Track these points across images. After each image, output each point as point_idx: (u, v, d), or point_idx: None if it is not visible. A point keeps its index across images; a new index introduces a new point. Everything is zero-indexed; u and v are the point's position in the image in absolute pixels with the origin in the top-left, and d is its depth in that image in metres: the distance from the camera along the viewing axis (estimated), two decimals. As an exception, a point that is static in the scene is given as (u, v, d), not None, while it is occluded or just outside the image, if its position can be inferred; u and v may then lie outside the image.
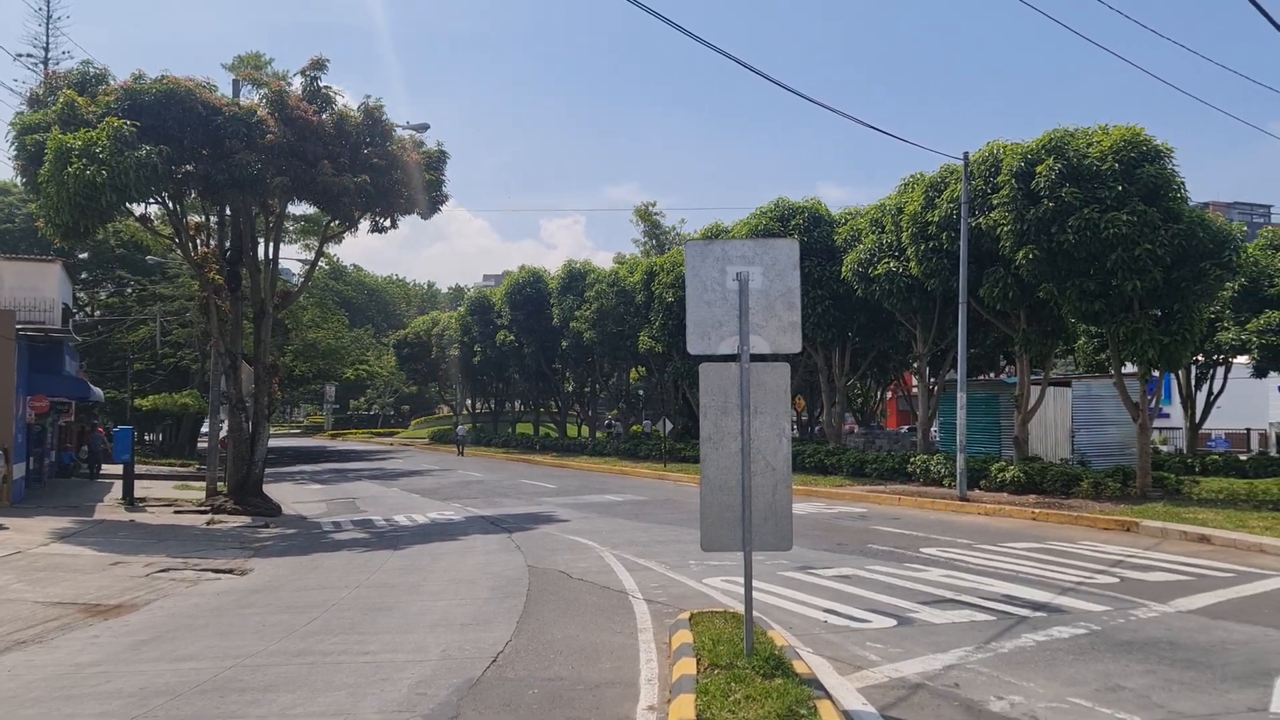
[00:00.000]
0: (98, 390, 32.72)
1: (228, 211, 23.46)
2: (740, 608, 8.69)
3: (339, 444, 71.80)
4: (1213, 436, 42.16)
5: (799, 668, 6.79)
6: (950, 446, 26.71)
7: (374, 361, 76.48)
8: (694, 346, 7.09)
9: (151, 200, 21.34)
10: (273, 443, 72.35)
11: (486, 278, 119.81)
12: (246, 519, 21.31)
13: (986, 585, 11.11)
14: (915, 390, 34.34)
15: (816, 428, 40.24)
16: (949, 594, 10.61)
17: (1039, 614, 9.51)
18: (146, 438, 57.95)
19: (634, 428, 48.73)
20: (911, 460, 25.51)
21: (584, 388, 50.05)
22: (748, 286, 7.03)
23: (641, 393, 51.90)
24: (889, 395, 47.93)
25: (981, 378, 30.72)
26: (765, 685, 6.23)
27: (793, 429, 35.20)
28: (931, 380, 28.81)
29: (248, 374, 23.67)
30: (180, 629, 9.84)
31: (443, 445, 59.04)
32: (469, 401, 70.05)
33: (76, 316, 41.44)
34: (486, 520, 19.90)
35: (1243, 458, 29.71)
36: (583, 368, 46.35)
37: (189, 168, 20.23)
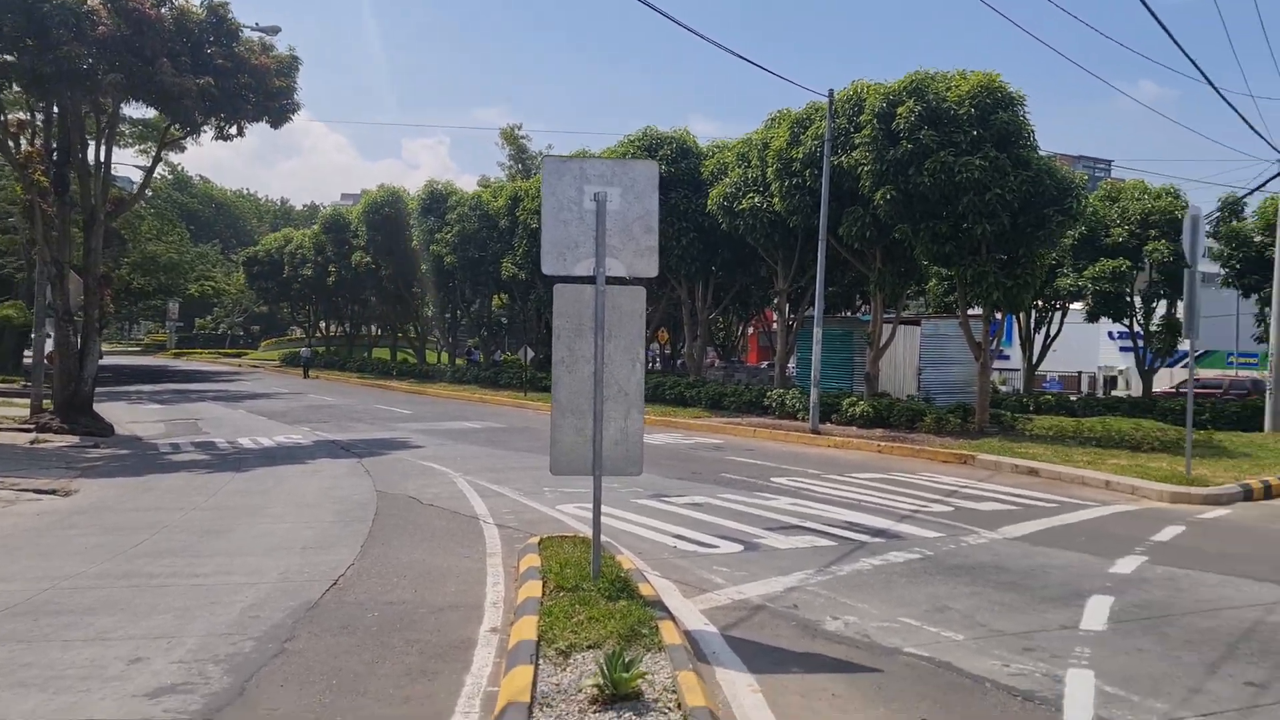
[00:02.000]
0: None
1: (55, 110, 21.63)
2: (591, 533, 8.69)
3: (183, 364, 68.38)
4: (1048, 378, 44.81)
5: (644, 590, 6.82)
6: (806, 382, 27.43)
7: (220, 278, 72.91)
8: (548, 266, 6.89)
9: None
10: (110, 360, 68.59)
11: (345, 196, 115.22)
12: (74, 439, 20.04)
13: (831, 513, 11.46)
14: (776, 325, 35.11)
15: (679, 361, 40.67)
16: (795, 521, 10.89)
17: (878, 540, 9.87)
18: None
19: (504, 357, 48.19)
20: (768, 394, 26.09)
21: (444, 313, 49.03)
22: (605, 207, 6.86)
23: (505, 320, 51.27)
24: (751, 331, 48.90)
25: (839, 315, 31.56)
26: (609, 607, 6.22)
27: (655, 361, 35.56)
28: (791, 316, 29.44)
29: (77, 285, 22.07)
30: (-10, 552, 9.17)
31: (294, 368, 57.02)
32: (323, 324, 67.73)
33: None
34: (336, 445, 19.33)
35: (1073, 398, 31.68)
36: (443, 293, 45.33)
37: (9, 58, 18.45)
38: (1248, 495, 13.67)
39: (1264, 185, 43.69)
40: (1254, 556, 9.49)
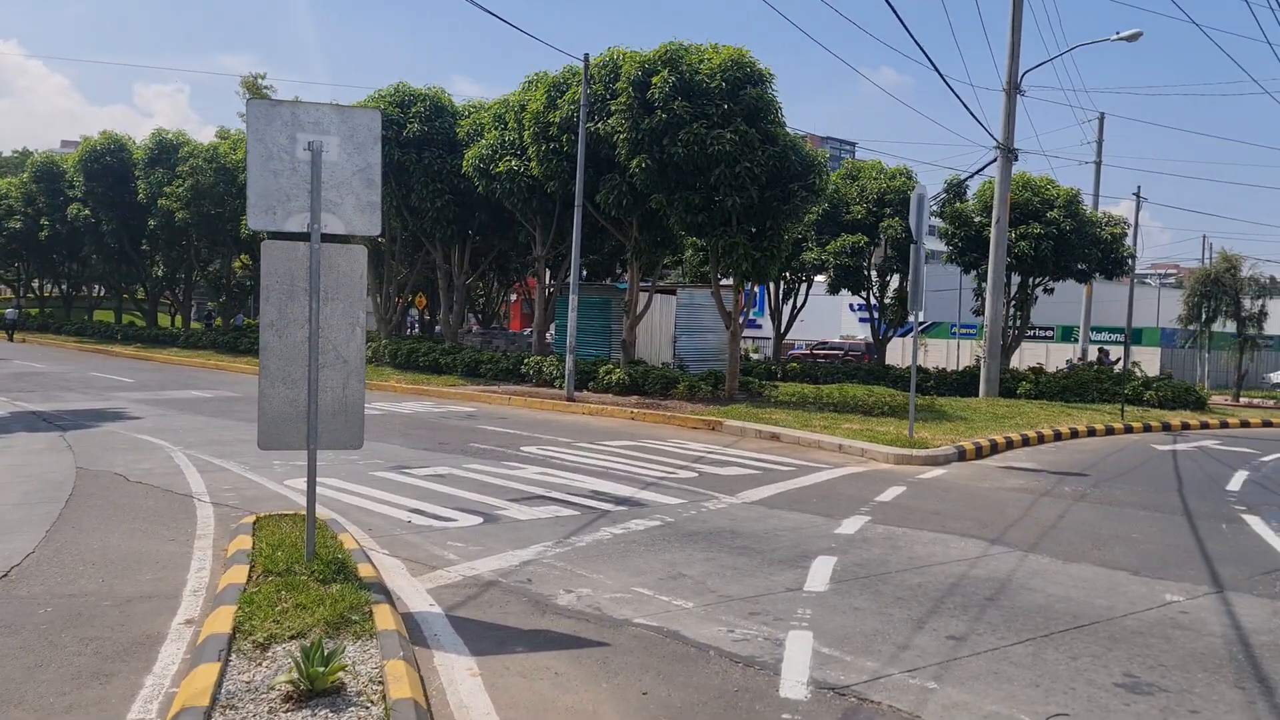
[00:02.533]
0: None
1: None
2: (320, 509, 8.07)
3: None
4: (795, 346, 47.31)
5: (364, 571, 6.35)
6: (562, 349, 27.39)
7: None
8: (256, 220, 6.22)
9: None
10: None
11: (66, 144, 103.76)
12: None
13: (577, 482, 11.34)
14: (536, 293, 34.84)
15: (436, 328, 39.58)
16: (540, 491, 10.68)
17: (620, 508, 9.83)
18: None
19: (247, 321, 45.05)
20: (526, 361, 25.81)
21: (177, 274, 45.25)
22: (321, 158, 6.26)
23: (250, 284, 47.99)
24: (515, 298, 48.40)
25: (599, 283, 31.69)
26: (320, 591, 5.72)
27: (414, 327, 34.38)
28: (552, 283, 29.26)
29: None
30: None
31: (10, 336, 51.01)
32: (36, 283, 60.92)
33: None
34: (38, 416, 17.26)
35: (819, 361, 33.49)
36: (176, 251, 41.79)
37: None
38: (961, 456, 14.81)
39: (982, 170, 47.74)
40: (962, 514, 10.20)
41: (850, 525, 9.28)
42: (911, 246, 17.28)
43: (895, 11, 16.50)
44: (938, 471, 13.48)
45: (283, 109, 6.18)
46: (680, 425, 18.37)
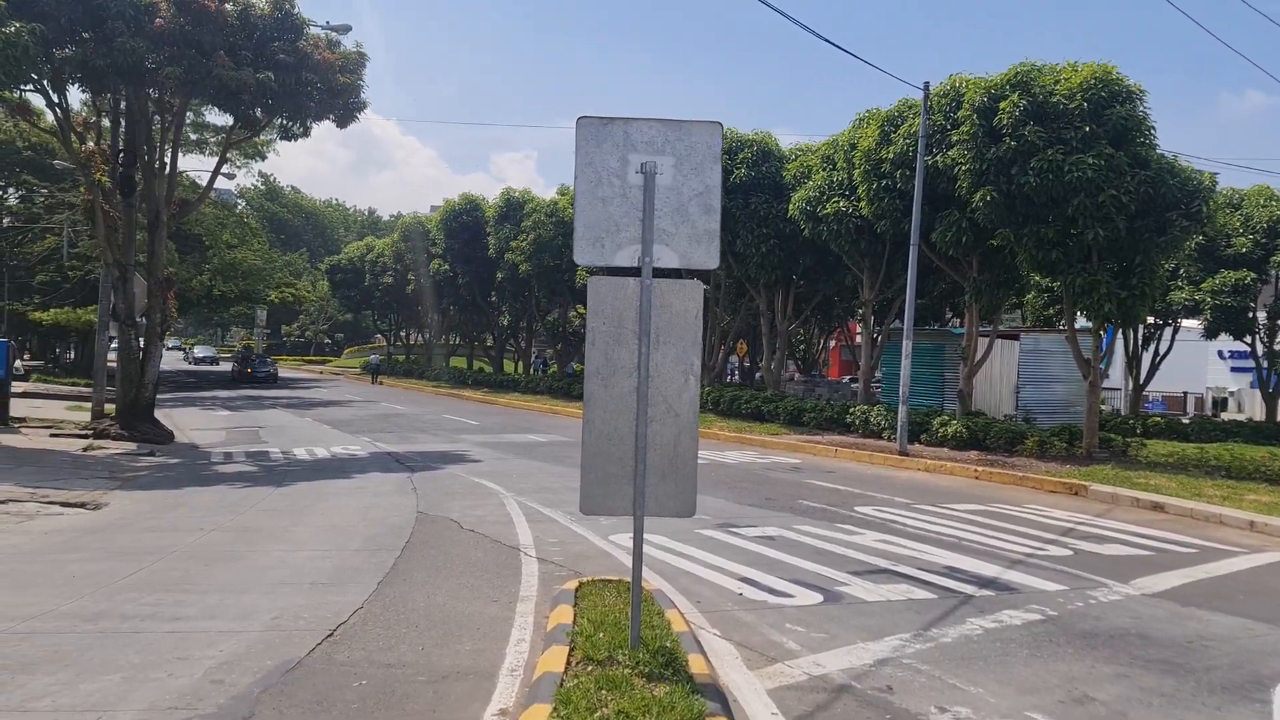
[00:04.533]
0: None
1: (123, 108, 21.28)
2: (646, 573, 7.32)
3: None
4: (1149, 398, 41.96)
5: (695, 666, 5.40)
6: (892, 398, 25.65)
7: (303, 286, 73.50)
8: (582, 255, 5.55)
9: (25, 86, 19.04)
10: (194, 366, 69.58)
11: (433, 209, 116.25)
12: (131, 446, 19.48)
13: (926, 554, 9.86)
14: (859, 338, 33.30)
15: (757, 374, 39.04)
16: (884, 563, 9.34)
17: (986, 592, 8.27)
18: (64, 355, 55.20)
19: (575, 366, 47.16)
20: (851, 410, 24.37)
21: (519, 322, 48.23)
22: (654, 181, 5.49)
23: (584, 331, 50.22)
24: (832, 344, 46.99)
25: (928, 328, 29.61)
26: (646, 693, 4.83)
27: (734, 374, 33.97)
28: (876, 329, 27.66)
29: (141, 288, 21.62)
30: (-31, 578, 8.19)
31: (373, 378, 56.98)
32: (404, 333, 67.76)
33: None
34: (392, 457, 18.32)
35: (1185, 421, 29.12)
36: (519, 301, 44.51)
37: (67, 51, 17.97)
38: None
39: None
40: None
41: (1307, 638, 7.13)
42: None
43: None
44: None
45: (614, 127, 5.50)
46: (1035, 488, 16.16)
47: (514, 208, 40.61)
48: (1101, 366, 21.60)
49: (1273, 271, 26.19)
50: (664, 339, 5.50)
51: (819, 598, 7.90)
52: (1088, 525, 12.19)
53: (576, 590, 7.11)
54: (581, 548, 9.77)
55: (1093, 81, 18.20)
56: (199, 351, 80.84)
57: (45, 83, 19.17)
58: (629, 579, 7.40)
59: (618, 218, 5.51)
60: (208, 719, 5.01)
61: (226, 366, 66.98)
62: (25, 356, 52.95)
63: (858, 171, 22.33)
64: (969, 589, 8.35)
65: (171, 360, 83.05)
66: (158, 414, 23.34)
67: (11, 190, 45.42)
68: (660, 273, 5.56)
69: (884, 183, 21.58)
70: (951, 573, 8.98)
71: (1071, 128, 17.99)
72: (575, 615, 6.35)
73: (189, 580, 8.11)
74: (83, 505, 12.62)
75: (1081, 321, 22.13)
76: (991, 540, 10.78)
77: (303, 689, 5.47)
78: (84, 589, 7.72)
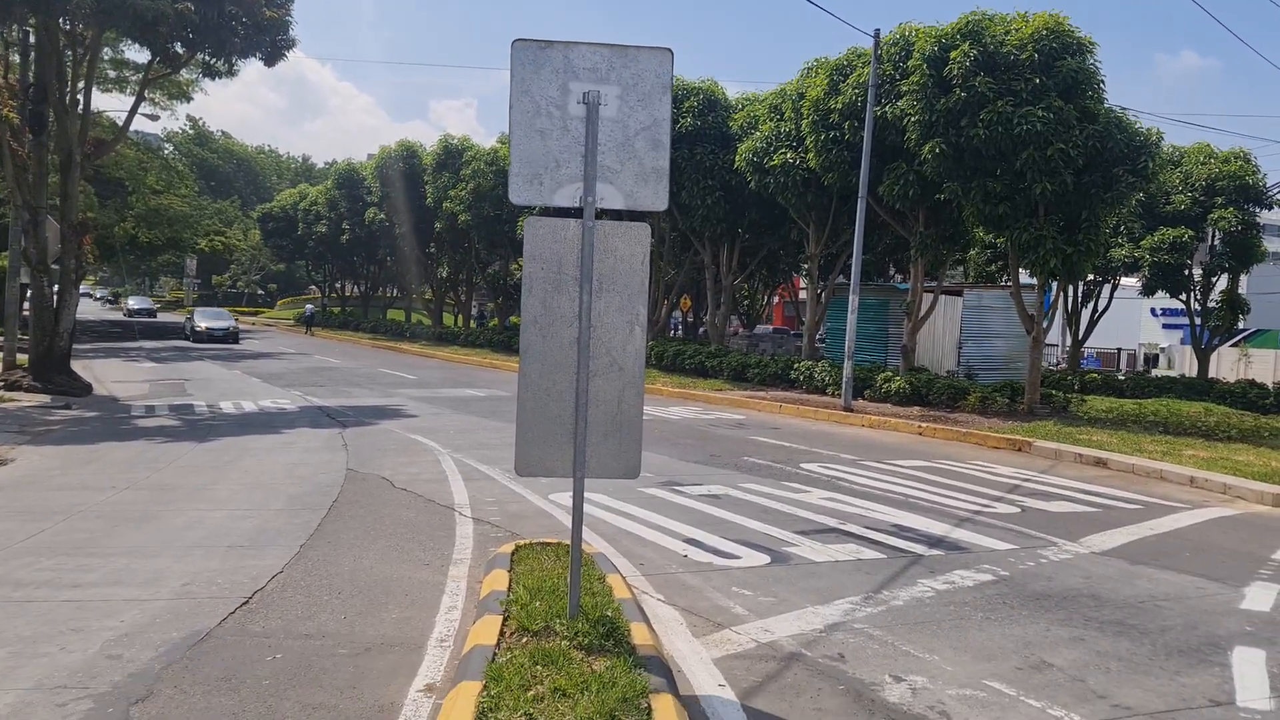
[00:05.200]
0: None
1: (32, 41, 19.97)
2: (587, 535, 6.94)
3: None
4: (1085, 354, 42.66)
5: (638, 634, 5.03)
6: (836, 353, 25.56)
7: (232, 234, 71.25)
8: (518, 193, 5.05)
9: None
10: (129, 319, 66.92)
11: (370, 157, 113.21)
12: (44, 398, 18.50)
13: (874, 512, 9.64)
14: (803, 293, 33.09)
15: (701, 330, 38.76)
16: (832, 521, 9.08)
17: (936, 551, 8.04)
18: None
19: (513, 319, 46.44)
20: (796, 366, 24.21)
21: (459, 274, 47.26)
22: (598, 112, 5.00)
23: (523, 283, 49.33)
24: (775, 299, 46.85)
25: (873, 283, 29.50)
26: (585, 668, 4.45)
27: (677, 329, 33.49)
28: (821, 284, 27.49)
29: (54, 233, 20.46)
30: None
31: (308, 329, 55.68)
32: (339, 284, 66.16)
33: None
34: (322, 412, 17.66)
35: (1120, 377, 29.55)
36: (458, 253, 43.55)
37: (-34, -25, 16.72)
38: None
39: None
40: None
41: (1260, 597, 7.01)
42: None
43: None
44: (1336, 519, 10.59)
45: (554, 51, 4.98)
46: (978, 444, 16.11)
47: (453, 155, 39.50)
48: (1044, 325, 21.65)
49: (1209, 229, 26.46)
50: (607, 286, 5.06)
51: (766, 559, 7.60)
52: (1033, 482, 12.10)
53: (513, 554, 6.70)
54: (519, 507, 9.36)
55: (1044, 33, 17.95)
56: (134, 303, 70.74)
57: (-55, 10, 17.84)
58: (569, 541, 7.04)
59: (557, 153, 5.02)
60: (99, 699, 4.52)
61: (166, 319, 64.60)
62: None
63: (805, 122, 21.91)
64: (918, 548, 8.12)
65: (97, 311, 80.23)
66: (76, 365, 22.31)
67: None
68: (604, 215, 5.10)
69: (832, 134, 21.20)
70: (900, 531, 8.75)
71: (1022, 79, 17.76)
72: (510, 581, 5.94)
73: (94, 543, 7.53)
74: (-12, 461, 11.84)
75: (1025, 278, 22.14)
76: (938, 497, 10.60)
77: (210, 663, 5.00)
78: (-23, 554, 7.11)
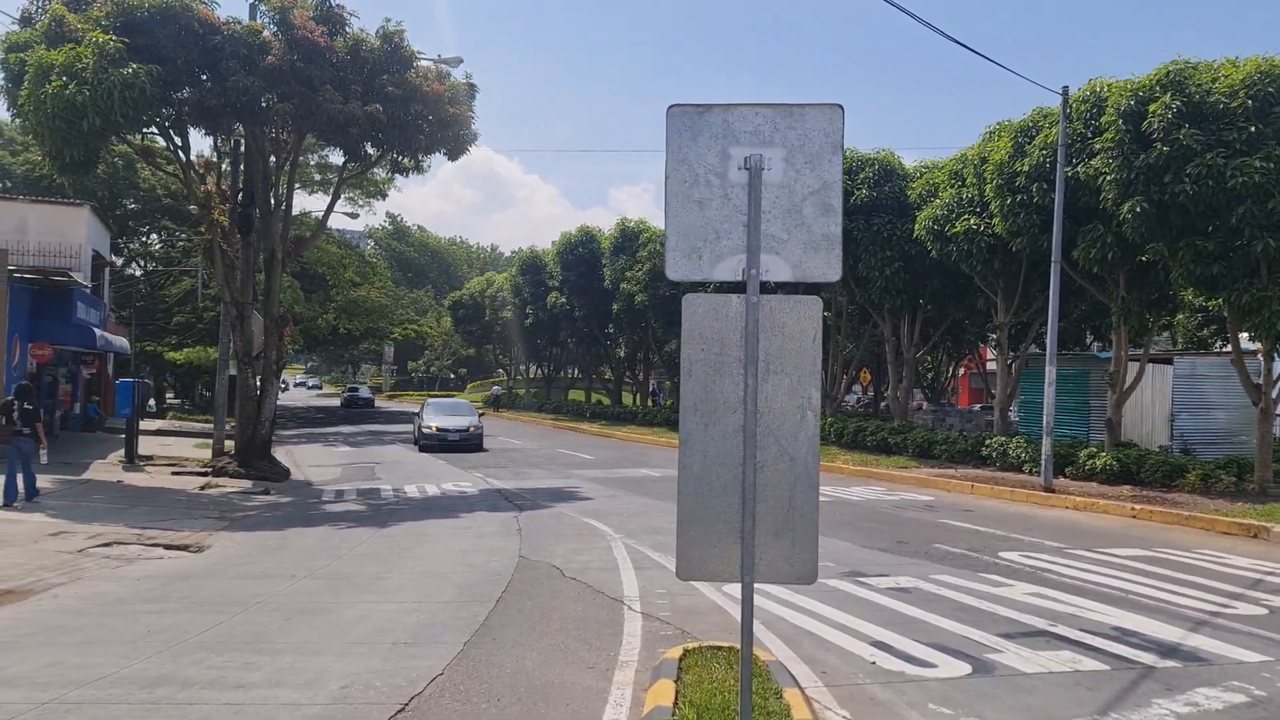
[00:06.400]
0: (119, 340, 31.36)
1: (241, 148, 21.66)
2: (763, 634, 6.36)
3: (392, 405, 70.62)
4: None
5: (820, 768, 4.40)
6: (1030, 428, 23.86)
7: (425, 322, 75.02)
8: (675, 269, 4.67)
9: (144, 129, 19.51)
10: (320, 401, 71.28)
11: (552, 244, 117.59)
12: (247, 483, 19.51)
13: (1089, 611, 8.53)
14: (991, 365, 31.34)
15: (882, 404, 37.36)
16: (1041, 623, 8.08)
17: (1170, 662, 6.95)
18: (201, 393, 57.43)
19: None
20: (987, 442, 22.71)
21: (636, 354, 47.71)
22: (760, 178, 4.59)
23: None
24: (961, 371, 44.79)
25: (1069, 352, 27.58)
26: (758, 812, 3.87)
27: (858, 404, 32.40)
28: (1011, 354, 25.89)
29: (259, 326, 21.83)
30: (44, 630, 7.77)
31: (490, 409, 57.47)
32: (524, 366, 68.22)
33: (116, 265, 40.42)
34: (501, 495, 17.76)
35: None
36: (635, 333, 43.99)
37: (184, 93, 18.27)
38: None
39: None
40: None
41: None
42: None
43: None
44: None
45: (712, 115, 4.62)
46: (1204, 529, 14.39)
47: (629, 238, 40.22)
48: (1273, 394, 19.46)
49: None
50: (775, 367, 4.57)
51: (967, 668, 6.75)
52: (1277, 575, 10.56)
53: (681, 659, 6.17)
54: (691, 600, 8.81)
55: (1257, 76, 16.42)
56: (311, 382, 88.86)
57: (167, 124, 19.57)
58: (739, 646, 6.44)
59: (717, 223, 4.62)
60: (240, 822, 4.28)
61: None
62: (168, 395, 55.38)
63: (989, 187, 20.86)
64: (1148, 658, 7.04)
65: (303, 397, 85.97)
66: (280, 450, 23.58)
67: (154, 236, 47.51)
68: (771, 289, 4.65)
69: (1019, 197, 20.06)
70: (1123, 636, 7.67)
71: (1234, 128, 16.26)
72: (676, 695, 5.41)
73: (264, 637, 7.51)
74: (185, 548, 12.36)
75: (1245, 343, 20.08)
76: (1164, 594, 9.34)
77: (357, 781, 4.71)
78: (151, 648, 7.17)
